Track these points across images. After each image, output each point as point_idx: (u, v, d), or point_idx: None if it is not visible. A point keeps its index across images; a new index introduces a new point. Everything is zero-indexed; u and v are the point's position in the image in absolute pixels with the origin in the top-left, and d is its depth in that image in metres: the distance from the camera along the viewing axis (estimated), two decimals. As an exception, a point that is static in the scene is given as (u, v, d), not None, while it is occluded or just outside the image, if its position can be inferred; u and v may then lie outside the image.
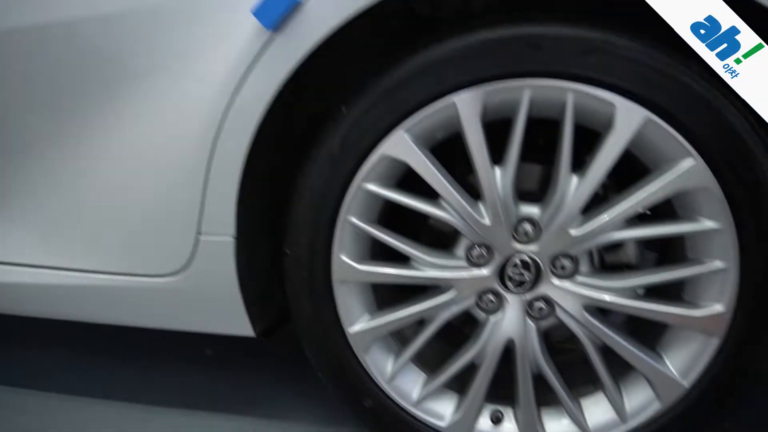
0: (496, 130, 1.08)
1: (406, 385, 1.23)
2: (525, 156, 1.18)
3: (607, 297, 1.10)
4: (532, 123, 1.07)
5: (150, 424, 1.45)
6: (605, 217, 1.05)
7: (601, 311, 1.16)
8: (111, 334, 2.00)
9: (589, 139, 1.07)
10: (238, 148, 1.10)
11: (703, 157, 0.99)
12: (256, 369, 1.75)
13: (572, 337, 1.26)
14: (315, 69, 1.07)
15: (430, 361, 1.26)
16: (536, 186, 1.20)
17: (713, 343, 1.07)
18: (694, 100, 0.97)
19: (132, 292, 1.28)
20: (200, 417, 1.48)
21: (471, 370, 1.21)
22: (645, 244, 1.22)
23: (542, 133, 1.13)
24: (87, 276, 1.28)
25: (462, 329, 1.30)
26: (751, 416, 1.38)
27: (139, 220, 1.21)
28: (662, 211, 1.11)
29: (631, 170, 1.10)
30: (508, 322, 1.15)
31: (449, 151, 1.14)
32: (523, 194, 1.12)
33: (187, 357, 1.82)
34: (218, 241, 1.18)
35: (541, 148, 1.17)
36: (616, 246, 1.18)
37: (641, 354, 1.11)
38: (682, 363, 1.11)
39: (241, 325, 1.27)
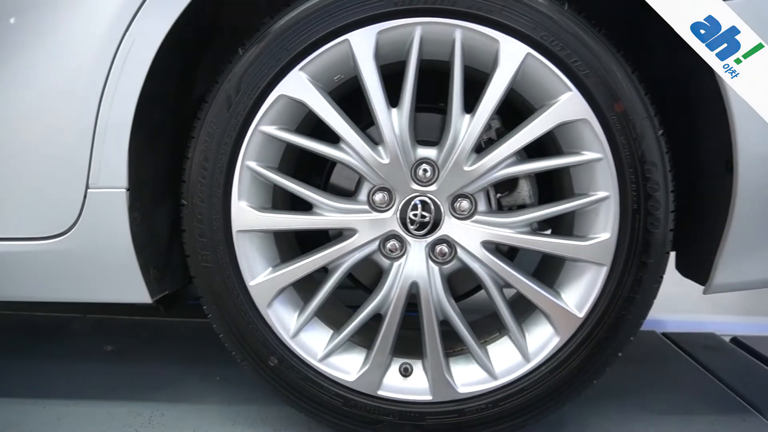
0: (394, 83, 1.12)
1: (312, 341, 1.19)
2: (426, 108, 1.23)
3: (505, 233, 1.14)
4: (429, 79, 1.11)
5: (62, 421, 1.32)
6: (497, 151, 1.10)
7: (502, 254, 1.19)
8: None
9: (479, 90, 1.12)
10: (130, 91, 1.06)
11: (579, 90, 1.06)
12: (157, 358, 1.66)
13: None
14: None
15: (336, 319, 1.24)
16: (436, 135, 1.23)
17: (602, 273, 1.13)
18: (568, 37, 1.05)
19: (15, 259, 1.17)
20: (101, 407, 1.36)
21: (378, 326, 1.19)
22: (538, 188, 1.28)
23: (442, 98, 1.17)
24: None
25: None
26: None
27: (22, 174, 1.13)
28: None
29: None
30: (411, 265, 1.16)
31: (354, 110, 1.17)
32: (423, 142, 1.15)
33: (84, 350, 1.70)
34: (109, 193, 1.12)
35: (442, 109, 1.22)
36: (511, 188, 1.23)
37: (540, 289, 1.15)
38: (576, 296, 1.15)
39: (136, 291, 1.19)
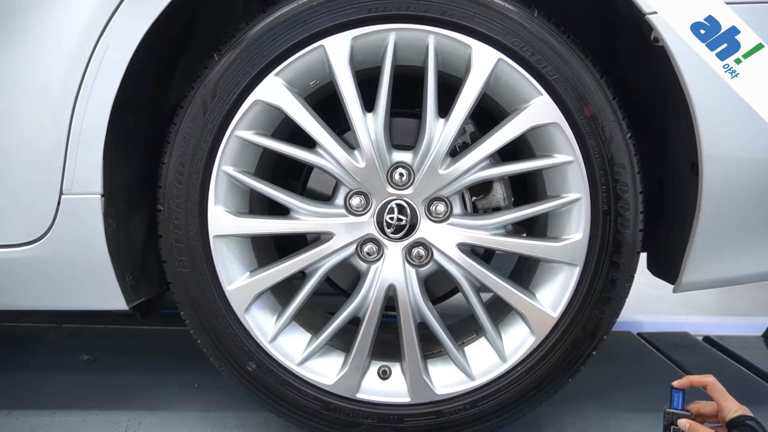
0: (370, 88, 1.13)
1: (291, 345, 1.20)
2: (402, 113, 1.25)
3: (480, 235, 1.16)
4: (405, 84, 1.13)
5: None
6: (471, 155, 1.12)
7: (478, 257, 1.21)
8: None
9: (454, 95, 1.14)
10: (104, 96, 1.06)
11: (550, 94, 1.09)
12: (134, 366, 1.64)
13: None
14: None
15: (315, 323, 1.24)
16: (412, 140, 1.25)
17: (575, 274, 1.15)
18: (538, 43, 1.08)
19: (-16, 267, 1.16)
20: (76, 416, 1.34)
21: (356, 329, 1.20)
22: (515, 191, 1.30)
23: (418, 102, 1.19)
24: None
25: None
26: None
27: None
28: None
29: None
30: (389, 268, 1.17)
31: (331, 115, 1.18)
32: (400, 147, 1.16)
33: (60, 360, 1.68)
34: (84, 200, 1.11)
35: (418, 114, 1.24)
36: (486, 191, 1.25)
37: (515, 290, 1.16)
38: (551, 296, 1.17)
39: (112, 298, 1.18)
